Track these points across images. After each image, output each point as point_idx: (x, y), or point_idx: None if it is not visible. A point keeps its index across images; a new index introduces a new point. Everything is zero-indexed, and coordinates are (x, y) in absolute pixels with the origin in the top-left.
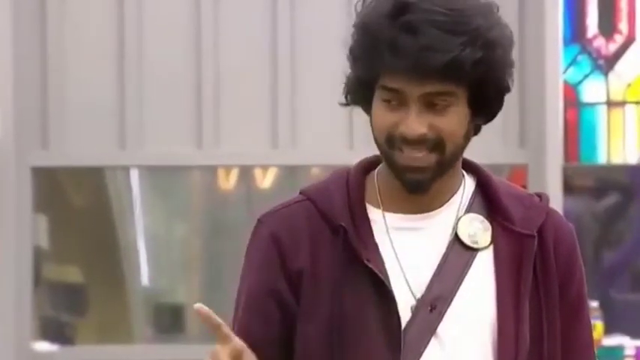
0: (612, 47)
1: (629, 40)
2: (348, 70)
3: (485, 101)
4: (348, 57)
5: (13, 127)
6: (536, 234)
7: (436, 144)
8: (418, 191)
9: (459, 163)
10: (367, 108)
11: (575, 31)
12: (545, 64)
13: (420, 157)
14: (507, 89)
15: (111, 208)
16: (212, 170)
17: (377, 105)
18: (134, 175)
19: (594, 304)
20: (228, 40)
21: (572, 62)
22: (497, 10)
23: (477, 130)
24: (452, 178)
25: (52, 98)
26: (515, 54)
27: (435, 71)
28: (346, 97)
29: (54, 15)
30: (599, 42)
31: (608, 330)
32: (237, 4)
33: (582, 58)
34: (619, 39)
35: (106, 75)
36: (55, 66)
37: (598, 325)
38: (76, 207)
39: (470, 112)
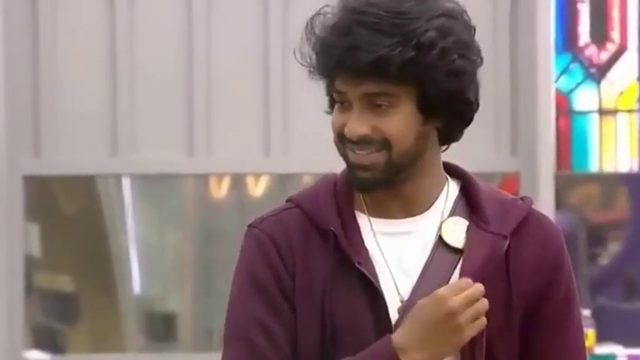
0: (604, 56)
1: (621, 49)
2: None
3: (432, 104)
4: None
5: (5, 135)
6: (509, 235)
7: (382, 145)
8: (366, 190)
9: (437, 167)
10: None
11: (567, 40)
12: (537, 73)
13: (366, 156)
14: (456, 92)
15: (103, 216)
16: (204, 178)
17: (334, 108)
18: (126, 183)
19: (587, 312)
20: (220, 48)
21: (564, 71)
22: (462, 16)
23: (452, 135)
24: (431, 183)
25: (44, 106)
26: (507, 62)
27: (363, 70)
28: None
29: (45, 22)
30: (591, 50)
31: (601, 338)
32: (229, 12)
33: (574, 67)
34: (611, 47)
35: (98, 83)
36: (46, 74)
37: (590, 334)
38: (68, 215)
39: (420, 115)
